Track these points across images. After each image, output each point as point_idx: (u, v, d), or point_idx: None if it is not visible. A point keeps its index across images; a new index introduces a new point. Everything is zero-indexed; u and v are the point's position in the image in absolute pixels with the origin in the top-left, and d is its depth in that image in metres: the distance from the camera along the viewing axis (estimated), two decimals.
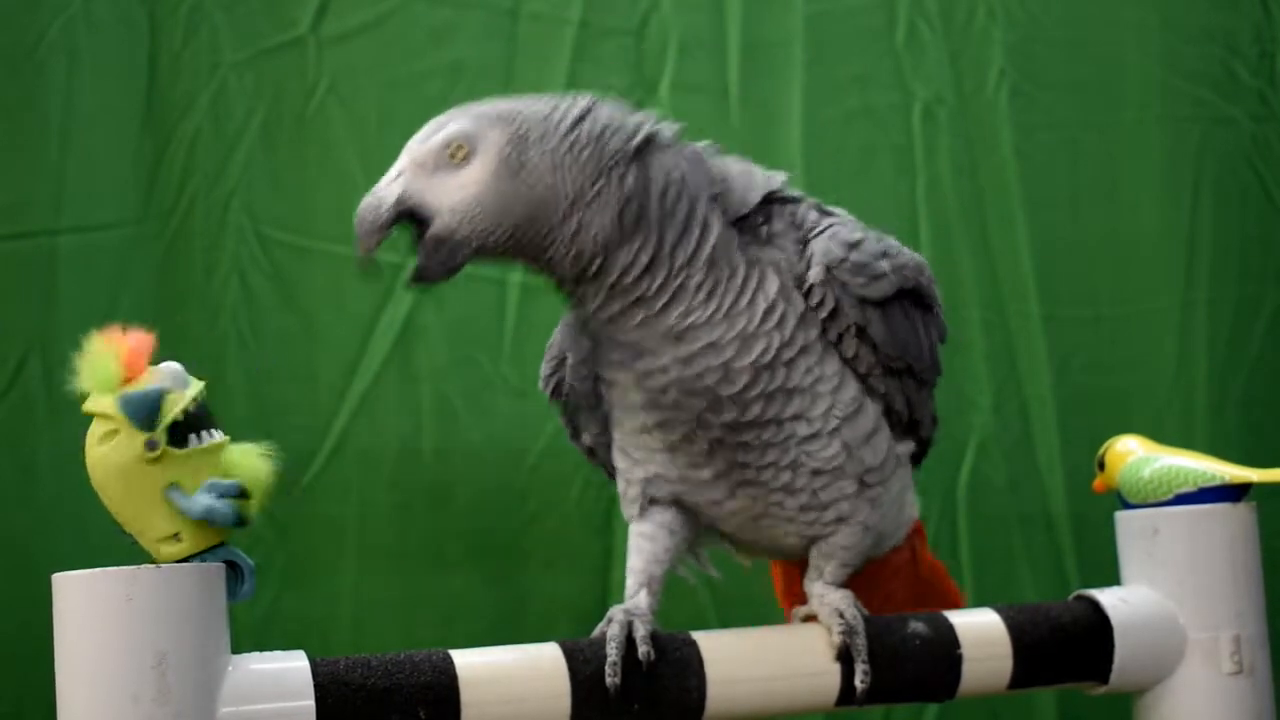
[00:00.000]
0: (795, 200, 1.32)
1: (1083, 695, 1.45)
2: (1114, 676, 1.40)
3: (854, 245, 1.28)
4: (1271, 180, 2.15)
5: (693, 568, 1.48)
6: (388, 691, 1.15)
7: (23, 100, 1.71)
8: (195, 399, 1.11)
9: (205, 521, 1.09)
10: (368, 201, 1.23)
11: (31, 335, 1.68)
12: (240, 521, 1.10)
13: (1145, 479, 1.46)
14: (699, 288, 1.25)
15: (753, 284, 1.27)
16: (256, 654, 1.14)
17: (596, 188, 1.22)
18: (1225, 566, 1.42)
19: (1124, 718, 1.48)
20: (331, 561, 1.78)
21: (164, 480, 1.09)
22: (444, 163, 1.22)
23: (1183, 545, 1.43)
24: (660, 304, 1.25)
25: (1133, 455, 1.49)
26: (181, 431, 1.09)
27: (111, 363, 1.10)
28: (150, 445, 1.08)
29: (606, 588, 1.86)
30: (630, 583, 1.36)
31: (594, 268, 1.23)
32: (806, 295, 1.28)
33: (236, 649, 1.12)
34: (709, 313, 1.25)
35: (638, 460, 1.35)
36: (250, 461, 1.13)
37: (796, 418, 1.30)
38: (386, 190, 1.23)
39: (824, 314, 1.28)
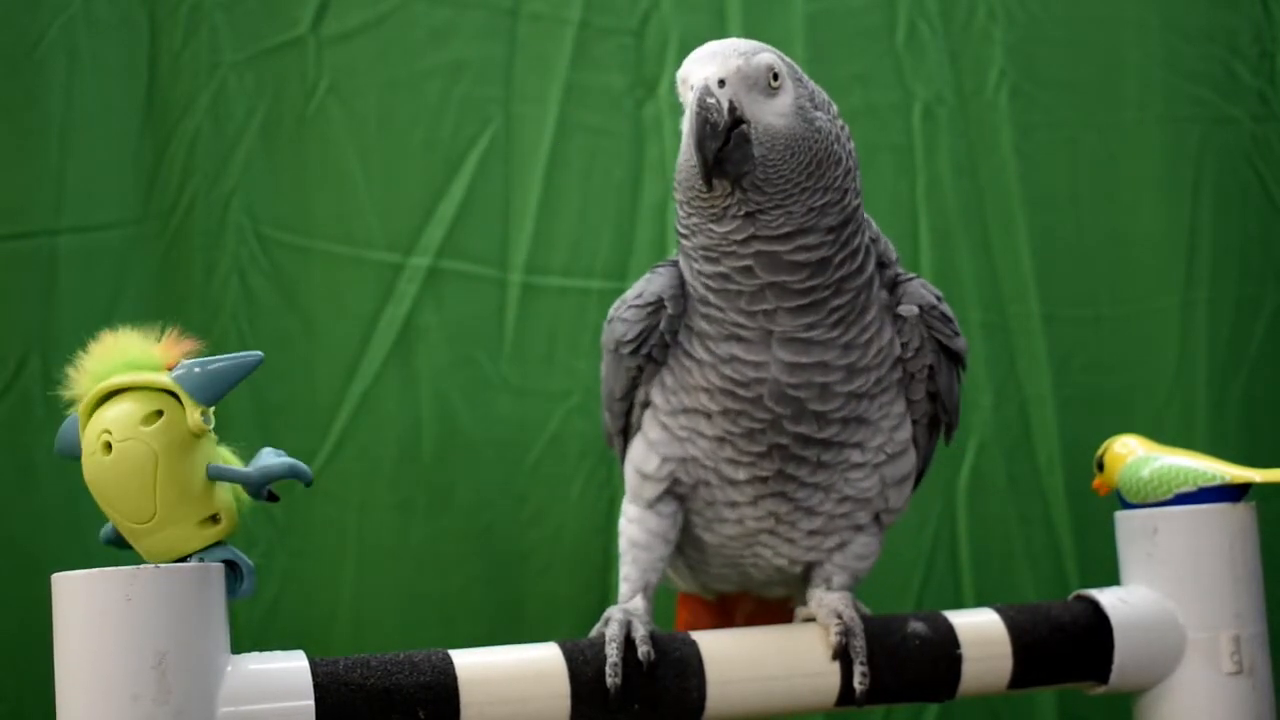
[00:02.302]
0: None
1: (1082, 695, 1.45)
2: (1114, 676, 1.40)
3: (940, 299, 1.37)
4: (1272, 180, 2.14)
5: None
6: (387, 691, 1.15)
7: (23, 100, 1.71)
8: None
9: (292, 476, 1.11)
10: (708, 104, 1.24)
11: (31, 335, 1.68)
12: (311, 481, 1.13)
13: (1145, 479, 1.46)
14: (836, 309, 1.29)
15: (875, 326, 1.33)
16: (256, 654, 1.14)
17: (848, 178, 1.30)
18: (1225, 566, 1.42)
19: (1124, 718, 1.48)
20: (331, 561, 1.78)
21: (205, 458, 1.10)
22: (763, 86, 1.26)
23: (1182, 545, 1.43)
24: (795, 304, 1.28)
25: (1132, 455, 1.49)
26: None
27: (150, 344, 1.11)
28: (206, 418, 1.09)
29: (606, 588, 1.86)
30: (625, 589, 1.37)
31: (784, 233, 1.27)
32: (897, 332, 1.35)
33: (236, 649, 1.12)
34: (833, 335, 1.30)
35: (679, 438, 1.35)
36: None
37: (856, 445, 1.34)
38: (720, 96, 1.24)
39: (908, 353, 1.34)
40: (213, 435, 1.12)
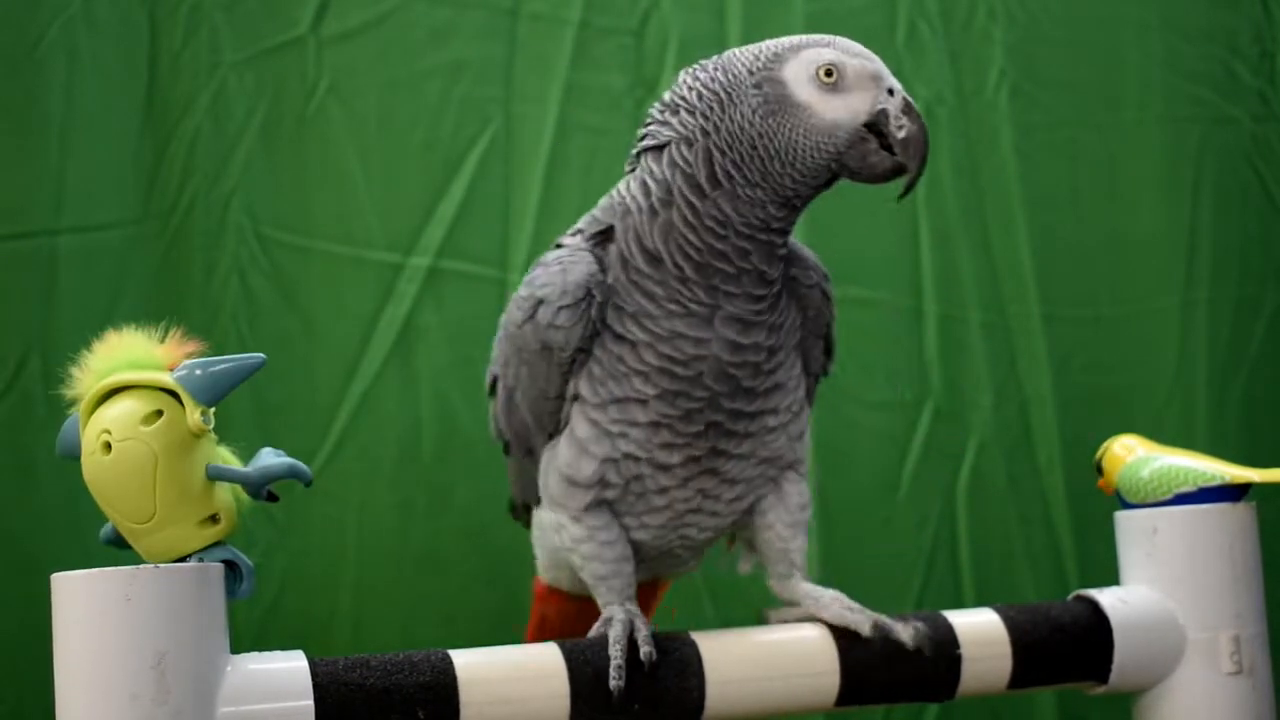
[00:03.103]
0: None
1: (1082, 695, 1.45)
2: (1113, 676, 1.40)
3: (818, 259, 1.40)
4: (1272, 180, 2.14)
5: None
6: (387, 691, 1.15)
7: (23, 100, 1.71)
8: None
9: (291, 476, 1.11)
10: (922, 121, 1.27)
11: (31, 335, 1.68)
12: (310, 481, 1.12)
13: (1145, 479, 1.46)
14: (773, 295, 1.31)
15: (784, 298, 1.34)
16: (256, 654, 1.14)
17: None
18: (1224, 566, 1.42)
19: (1124, 717, 1.48)
20: (331, 561, 1.78)
21: (205, 458, 1.10)
22: None
23: (1182, 545, 1.43)
24: (759, 291, 1.29)
25: (1132, 455, 1.49)
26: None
27: (153, 344, 1.11)
28: (206, 419, 1.09)
29: None
30: (604, 588, 1.34)
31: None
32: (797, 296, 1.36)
33: (236, 649, 1.12)
34: (766, 317, 1.31)
35: (610, 434, 1.31)
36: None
37: (772, 410, 1.35)
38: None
39: (811, 312, 1.37)
40: (212, 435, 1.12)
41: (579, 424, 1.33)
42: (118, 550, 1.14)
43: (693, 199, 1.28)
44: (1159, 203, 2.11)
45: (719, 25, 1.98)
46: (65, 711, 1.06)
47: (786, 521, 1.39)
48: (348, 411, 1.80)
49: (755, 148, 1.27)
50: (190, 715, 1.05)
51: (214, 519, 1.11)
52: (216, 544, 1.12)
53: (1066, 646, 1.39)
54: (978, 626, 1.37)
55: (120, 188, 1.74)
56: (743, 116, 1.27)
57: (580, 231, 1.34)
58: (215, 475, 1.10)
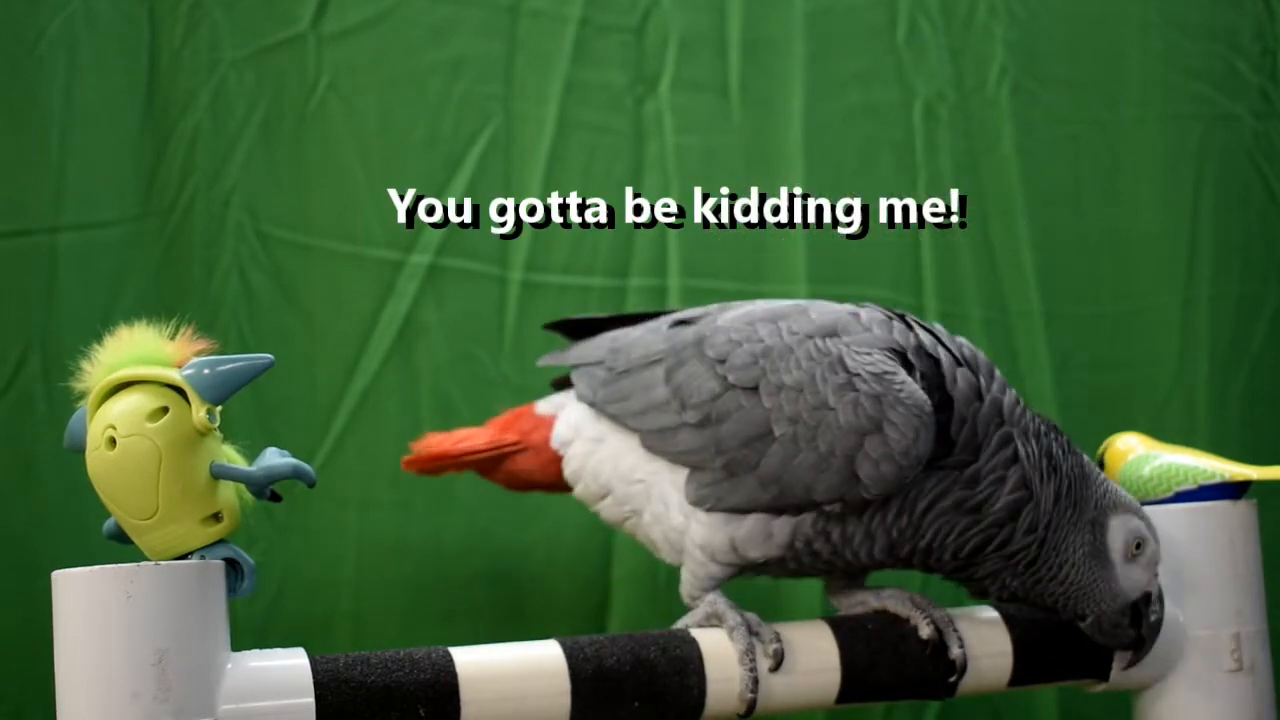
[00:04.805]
0: None
1: (1083, 693, 1.45)
2: (1114, 674, 1.40)
3: None
4: (1274, 177, 2.14)
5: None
6: (388, 689, 1.15)
7: (23, 97, 1.70)
8: None
9: (296, 477, 1.11)
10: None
11: (31, 333, 1.68)
12: (314, 482, 1.12)
13: (1145, 476, 1.46)
14: None
15: None
16: (257, 651, 1.14)
17: None
18: (1225, 564, 1.42)
19: (1124, 715, 1.48)
20: (332, 559, 1.78)
21: (209, 456, 1.10)
22: None
23: (1183, 543, 1.43)
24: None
25: (1133, 453, 1.49)
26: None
27: (163, 341, 1.11)
28: (211, 417, 1.09)
29: (607, 586, 1.86)
30: (708, 584, 1.38)
31: None
32: None
33: (237, 646, 1.12)
34: None
35: (806, 536, 1.36)
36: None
37: None
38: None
39: None
40: (217, 434, 1.12)
41: (781, 521, 1.35)
42: (119, 546, 1.14)
43: (1002, 541, 1.32)
44: (1160, 200, 2.10)
45: (720, 23, 1.98)
46: (66, 709, 1.06)
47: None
48: (348, 409, 1.80)
49: (1057, 552, 1.32)
50: (191, 712, 1.05)
51: (216, 517, 1.11)
52: (218, 542, 1.12)
53: (1067, 644, 1.39)
54: (979, 624, 1.37)
55: (120, 185, 1.74)
56: (1072, 537, 1.33)
57: (929, 384, 1.37)
58: (219, 474, 1.10)
